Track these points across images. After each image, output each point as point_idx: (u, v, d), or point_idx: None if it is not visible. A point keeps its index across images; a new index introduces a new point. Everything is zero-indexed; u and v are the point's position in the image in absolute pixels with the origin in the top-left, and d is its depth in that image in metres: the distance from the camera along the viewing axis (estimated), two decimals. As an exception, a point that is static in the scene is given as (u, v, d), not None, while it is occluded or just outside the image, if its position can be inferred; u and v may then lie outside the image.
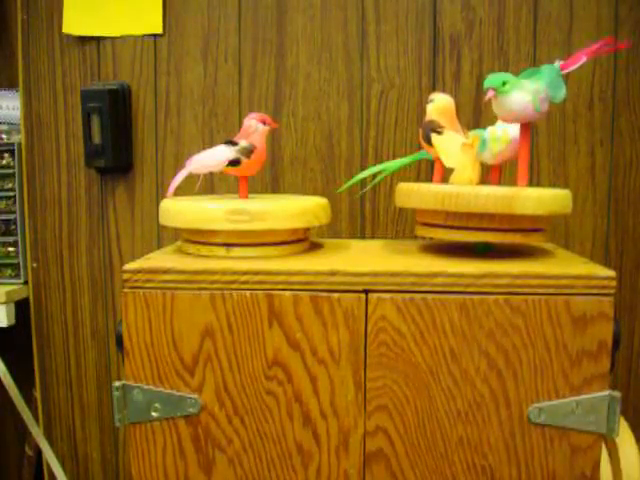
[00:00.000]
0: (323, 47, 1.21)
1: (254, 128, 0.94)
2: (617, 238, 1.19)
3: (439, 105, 0.92)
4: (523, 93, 0.81)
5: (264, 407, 0.81)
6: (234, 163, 0.93)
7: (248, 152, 0.93)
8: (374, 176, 1.07)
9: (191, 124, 1.26)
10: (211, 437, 0.82)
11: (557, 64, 0.83)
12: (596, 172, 1.19)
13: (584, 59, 0.83)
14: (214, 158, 0.93)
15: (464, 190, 0.81)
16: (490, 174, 0.93)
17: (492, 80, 0.82)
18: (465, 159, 0.90)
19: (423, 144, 0.93)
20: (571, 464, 0.79)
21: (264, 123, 0.95)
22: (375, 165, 1.04)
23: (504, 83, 0.81)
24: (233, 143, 0.93)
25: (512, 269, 0.77)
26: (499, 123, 0.90)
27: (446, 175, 0.92)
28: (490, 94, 0.83)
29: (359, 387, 0.80)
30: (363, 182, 1.14)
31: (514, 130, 0.88)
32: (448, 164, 0.89)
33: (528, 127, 0.85)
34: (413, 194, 0.87)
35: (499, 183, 0.94)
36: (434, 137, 0.91)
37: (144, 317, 0.80)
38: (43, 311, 1.34)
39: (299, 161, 1.24)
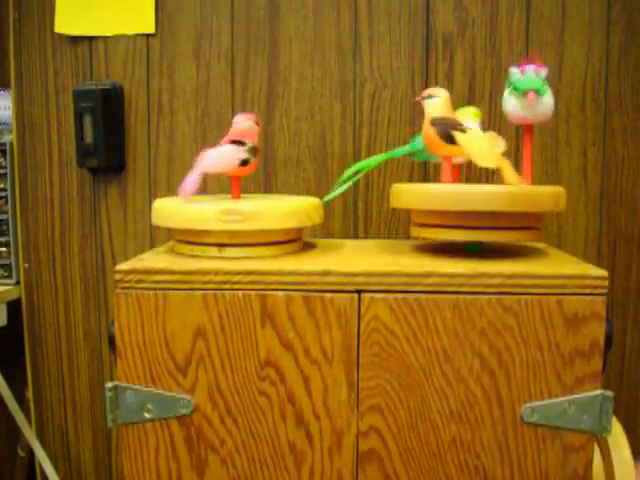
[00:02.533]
0: (316, 47, 1.21)
1: (254, 128, 0.95)
2: (609, 238, 1.20)
3: (446, 100, 0.90)
4: None
5: (257, 407, 0.81)
6: (245, 163, 0.93)
7: (255, 152, 0.94)
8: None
9: (184, 124, 1.26)
10: (204, 438, 0.82)
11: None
12: (588, 172, 1.19)
13: None
14: (227, 158, 0.92)
15: (459, 189, 0.81)
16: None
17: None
18: (500, 157, 0.88)
19: (437, 143, 0.88)
20: (564, 463, 0.79)
21: (257, 124, 0.95)
22: (355, 164, 1.04)
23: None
24: (240, 143, 0.93)
25: (504, 269, 0.78)
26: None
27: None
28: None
29: (352, 387, 0.80)
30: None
31: None
32: (484, 164, 0.86)
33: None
34: (407, 194, 0.87)
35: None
36: (459, 136, 0.87)
37: (136, 318, 0.80)
38: (35, 312, 1.33)
39: (292, 161, 1.23)
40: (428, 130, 0.89)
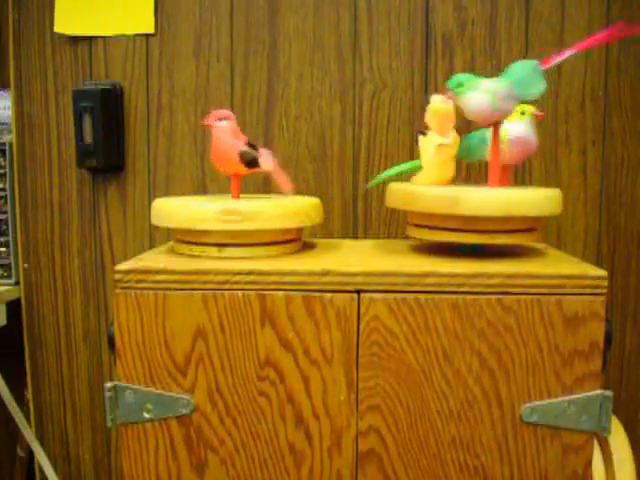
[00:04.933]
0: (315, 47, 1.21)
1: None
2: (609, 238, 1.20)
3: (432, 107, 0.92)
4: (479, 93, 0.83)
5: (256, 407, 0.81)
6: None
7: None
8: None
9: (183, 124, 1.26)
10: (203, 438, 0.82)
11: (534, 61, 0.85)
12: (588, 172, 1.19)
13: (568, 53, 0.84)
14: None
15: (449, 193, 0.81)
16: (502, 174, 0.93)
17: (451, 81, 0.85)
18: (436, 159, 0.91)
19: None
20: (563, 463, 0.79)
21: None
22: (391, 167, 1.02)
23: (460, 84, 0.84)
24: (253, 146, 0.93)
25: (504, 269, 0.78)
26: (505, 122, 0.90)
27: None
28: (448, 95, 0.86)
29: (351, 387, 0.80)
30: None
31: (517, 129, 0.89)
32: (423, 164, 0.92)
33: (497, 127, 0.86)
34: (402, 195, 0.88)
35: (509, 183, 0.94)
36: (420, 138, 0.93)
37: (136, 318, 0.80)
38: (35, 312, 1.33)
39: (291, 161, 1.23)
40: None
